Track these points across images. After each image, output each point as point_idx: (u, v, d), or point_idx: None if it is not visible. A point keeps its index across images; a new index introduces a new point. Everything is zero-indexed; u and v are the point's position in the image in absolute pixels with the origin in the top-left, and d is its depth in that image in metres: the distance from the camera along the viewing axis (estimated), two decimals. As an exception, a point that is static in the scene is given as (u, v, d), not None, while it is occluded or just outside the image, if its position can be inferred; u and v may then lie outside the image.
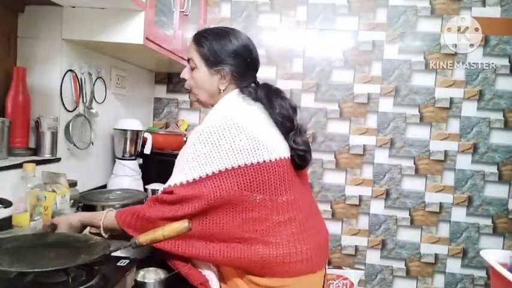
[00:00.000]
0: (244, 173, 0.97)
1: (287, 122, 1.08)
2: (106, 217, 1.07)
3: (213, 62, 1.10)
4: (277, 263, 0.98)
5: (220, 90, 1.12)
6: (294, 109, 1.12)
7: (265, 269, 0.99)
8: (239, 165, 0.97)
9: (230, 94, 1.12)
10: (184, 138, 2.20)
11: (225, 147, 0.97)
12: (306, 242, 1.03)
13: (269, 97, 1.10)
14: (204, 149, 0.98)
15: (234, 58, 1.10)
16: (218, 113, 1.07)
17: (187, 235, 0.96)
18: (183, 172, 0.99)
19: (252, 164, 0.97)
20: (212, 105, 1.16)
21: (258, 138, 1.00)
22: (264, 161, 0.99)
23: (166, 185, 1.02)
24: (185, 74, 1.17)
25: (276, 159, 1.01)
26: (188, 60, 1.15)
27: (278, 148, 1.04)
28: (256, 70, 1.18)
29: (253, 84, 1.15)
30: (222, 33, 1.12)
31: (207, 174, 0.96)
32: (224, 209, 0.98)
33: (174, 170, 1.05)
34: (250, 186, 0.97)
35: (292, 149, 1.06)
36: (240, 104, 1.10)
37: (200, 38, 1.12)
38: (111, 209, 1.13)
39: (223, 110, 1.08)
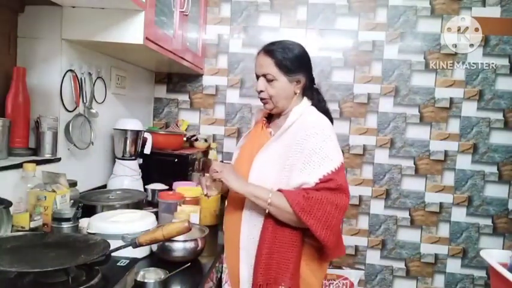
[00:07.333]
0: (343, 168, 1.16)
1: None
2: (274, 194, 1.12)
3: (291, 70, 1.21)
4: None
5: (295, 93, 1.24)
6: None
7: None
8: (343, 162, 1.16)
9: (304, 100, 1.26)
10: (185, 138, 2.21)
11: (338, 145, 1.18)
12: None
13: (324, 103, 1.30)
14: (331, 144, 1.15)
15: (305, 65, 1.24)
16: (314, 114, 1.22)
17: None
18: (326, 163, 1.12)
19: (343, 162, 1.17)
20: (283, 111, 1.26)
21: None
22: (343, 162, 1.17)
23: (319, 175, 1.10)
24: (261, 86, 1.24)
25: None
26: (264, 75, 1.22)
27: None
28: None
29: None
30: (290, 45, 1.25)
31: (338, 167, 1.13)
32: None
33: (311, 165, 1.12)
34: (345, 181, 1.15)
35: None
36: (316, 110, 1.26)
37: (274, 52, 1.22)
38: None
39: (315, 113, 1.23)
